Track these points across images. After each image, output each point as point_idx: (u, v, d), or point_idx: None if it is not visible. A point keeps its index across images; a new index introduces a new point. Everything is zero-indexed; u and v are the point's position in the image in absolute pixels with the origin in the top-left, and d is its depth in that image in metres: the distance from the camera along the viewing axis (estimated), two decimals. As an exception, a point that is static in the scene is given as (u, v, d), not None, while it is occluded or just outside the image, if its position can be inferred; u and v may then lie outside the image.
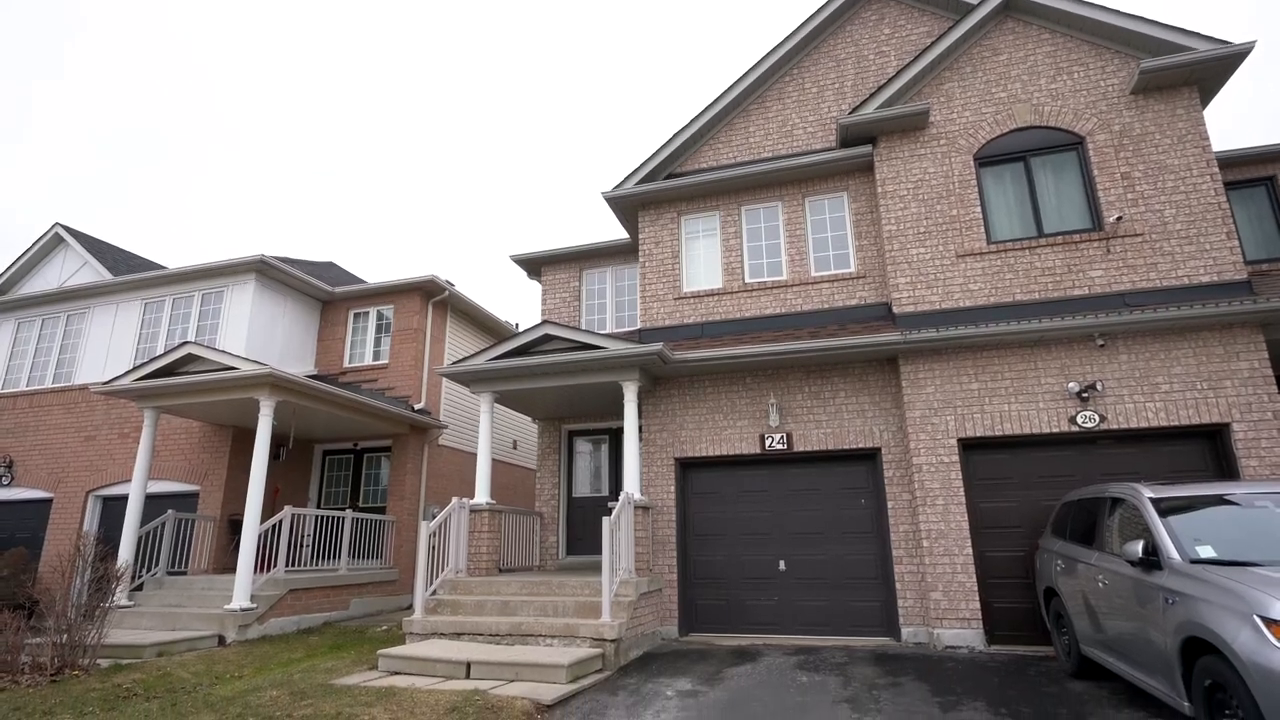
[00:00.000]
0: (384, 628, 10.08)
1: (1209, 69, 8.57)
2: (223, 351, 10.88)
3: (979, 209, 9.11)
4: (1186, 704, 4.31)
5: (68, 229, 15.35)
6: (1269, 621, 3.61)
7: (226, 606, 9.36)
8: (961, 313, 8.76)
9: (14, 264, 15.38)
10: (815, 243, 10.19)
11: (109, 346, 13.89)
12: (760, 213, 10.57)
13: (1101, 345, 8.19)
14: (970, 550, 8.05)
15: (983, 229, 9.03)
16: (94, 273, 14.77)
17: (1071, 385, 8.15)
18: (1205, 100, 8.89)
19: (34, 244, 15.39)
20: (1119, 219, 8.48)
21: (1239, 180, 10.24)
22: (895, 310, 9.08)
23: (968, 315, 8.71)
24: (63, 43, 71.29)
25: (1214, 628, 3.92)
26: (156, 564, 10.99)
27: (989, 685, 6.18)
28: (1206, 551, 4.59)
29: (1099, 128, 8.90)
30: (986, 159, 9.33)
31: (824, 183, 10.31)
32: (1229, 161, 10.09)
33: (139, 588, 10.60)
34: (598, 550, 8.32)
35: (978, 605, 7.86)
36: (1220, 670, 3.90)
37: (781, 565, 9.04)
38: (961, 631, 7.83)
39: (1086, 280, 8.47)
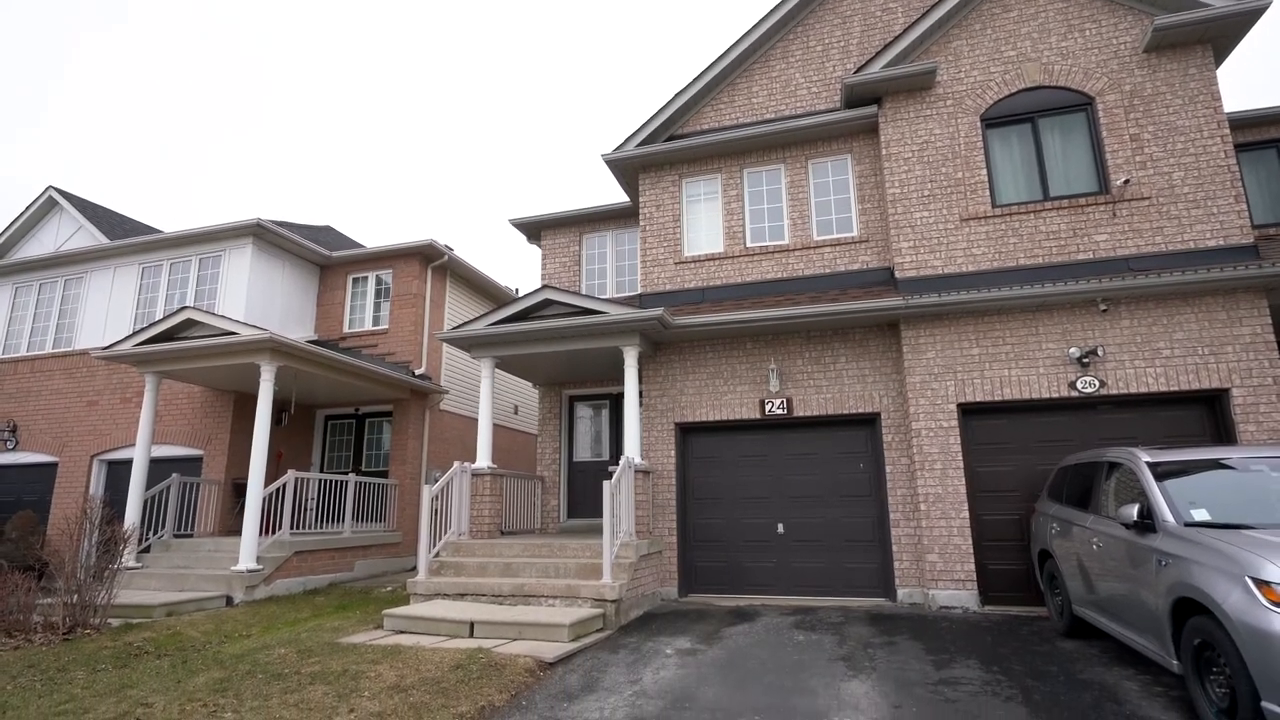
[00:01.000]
0: (388, 588, 10.26)
1: (1225, 25, 8.35)
2: (222, 316, 10.82)
3: (984, 172, 8.97)
4: (1175, 662, 4.39)
5: (61, 192, 15.16)
6: (1260, 583, 3.66)
7: (233, 568, 9.51)
8: (964, 277, 8.69)
9: (9, 228, 15.22)
10: (818, 206, 10.07)
11: (108, 311, 13.85)
12: (762, 175, 10.42)
13: (1104, 310, 8.15)
14: (967, 513, 8.14)
15: (988, 192, 8.91)
16: (89, 237, 14.63)
17: (1073, 350, 8.13)
18: (1219, 59, 8.69)
19: (28, 207, 15.22)
20: (1126, 182, 8.36)
21: (1248, 142, 10.06)
22: (897, 275, 9.01)
23: (970, 280, 8.64)
24: (62, 36, 69.55)
25: (1206, 589, 3.97)
26: (163, 527, 11.12)
27: (982, 644, 6.31)
28: (1201, 515, 4.63)
29: (1109, 87, 8.71)
30: (993, 120, 9.15)
31: (827, 144, 10.13)
32: (1239, 123, 9.90)
33: (146, 549, 10.74)
34: (598, 514, 8.41)
35: (973, 567, 7.98)
36: (1210, 630, 3.97)
37: (780, 528, 9.16)
38: (956, 592, 7.96)
39: (1091, 244, 8.39)
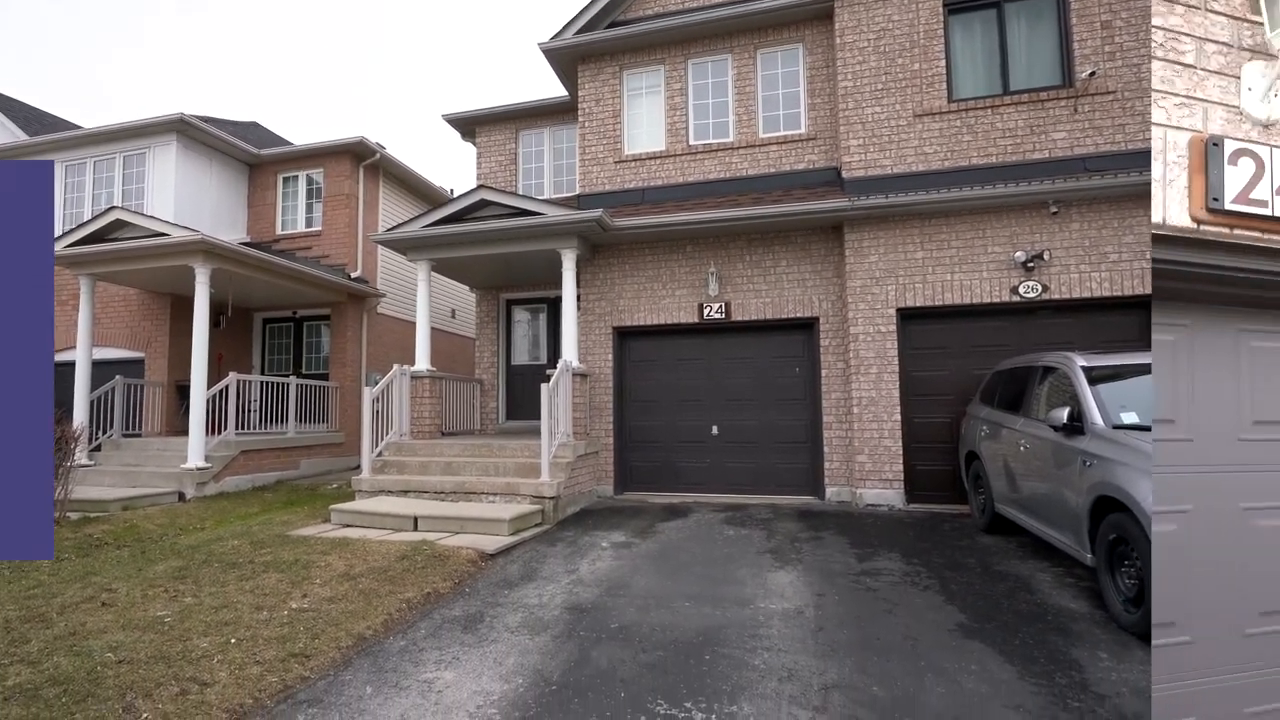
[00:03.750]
0: (334, 486, 10.41)
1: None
2: (152, 217, 10.40)
3: (943, 63, 8.49)
4: (1090, 556, 4.52)
5: (-37, 79, 13.87)
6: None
7: (183, 465, 9.64)
8: (914, 177, 8.39)
9: (-86, 119, 13.98)
10: (765, 101, 9.54)
11: (30, 210, 12.98)
12: (708, 67, 9.79)
13: (1055, 213, 7.95)
14: (899, 416, 8.22)
15: (945, 86, 8.46)
16: (7, 133, 13.75)
17: (1018, 255, 7.98)
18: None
19: (-66, 98, 13.97)
20: (1092, 74, 7.96)
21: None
22: (845, 175, 8.67)
23: (920, 180, 8.35)
24: None
25: (1127, 488, 4.03)
26: (111, 427, 11.13)
27: (905, 538, 6.51)
28: (1130, 417, 4.64)
29: (1083, -32, 8.15)
30: (957, 5, 8.58)
31: (778, 32, 9.49)
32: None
33: (97, 448, 10.77)
34: (537, 416, 8.39)
35: (901, 468, 8.15)
36: (1126, 526, 4.06)
37: (714, 430, 9.23)
38: (883, 491, 8.16)
39: (1048, 143, 8.08)
